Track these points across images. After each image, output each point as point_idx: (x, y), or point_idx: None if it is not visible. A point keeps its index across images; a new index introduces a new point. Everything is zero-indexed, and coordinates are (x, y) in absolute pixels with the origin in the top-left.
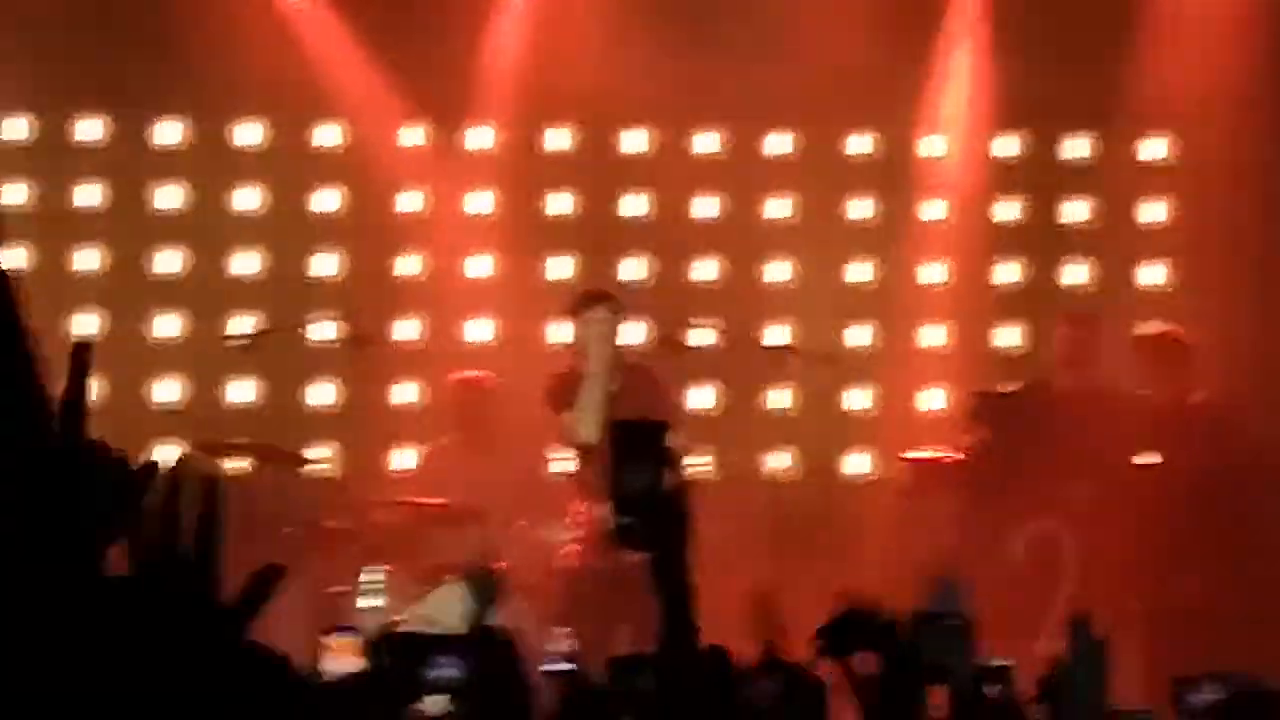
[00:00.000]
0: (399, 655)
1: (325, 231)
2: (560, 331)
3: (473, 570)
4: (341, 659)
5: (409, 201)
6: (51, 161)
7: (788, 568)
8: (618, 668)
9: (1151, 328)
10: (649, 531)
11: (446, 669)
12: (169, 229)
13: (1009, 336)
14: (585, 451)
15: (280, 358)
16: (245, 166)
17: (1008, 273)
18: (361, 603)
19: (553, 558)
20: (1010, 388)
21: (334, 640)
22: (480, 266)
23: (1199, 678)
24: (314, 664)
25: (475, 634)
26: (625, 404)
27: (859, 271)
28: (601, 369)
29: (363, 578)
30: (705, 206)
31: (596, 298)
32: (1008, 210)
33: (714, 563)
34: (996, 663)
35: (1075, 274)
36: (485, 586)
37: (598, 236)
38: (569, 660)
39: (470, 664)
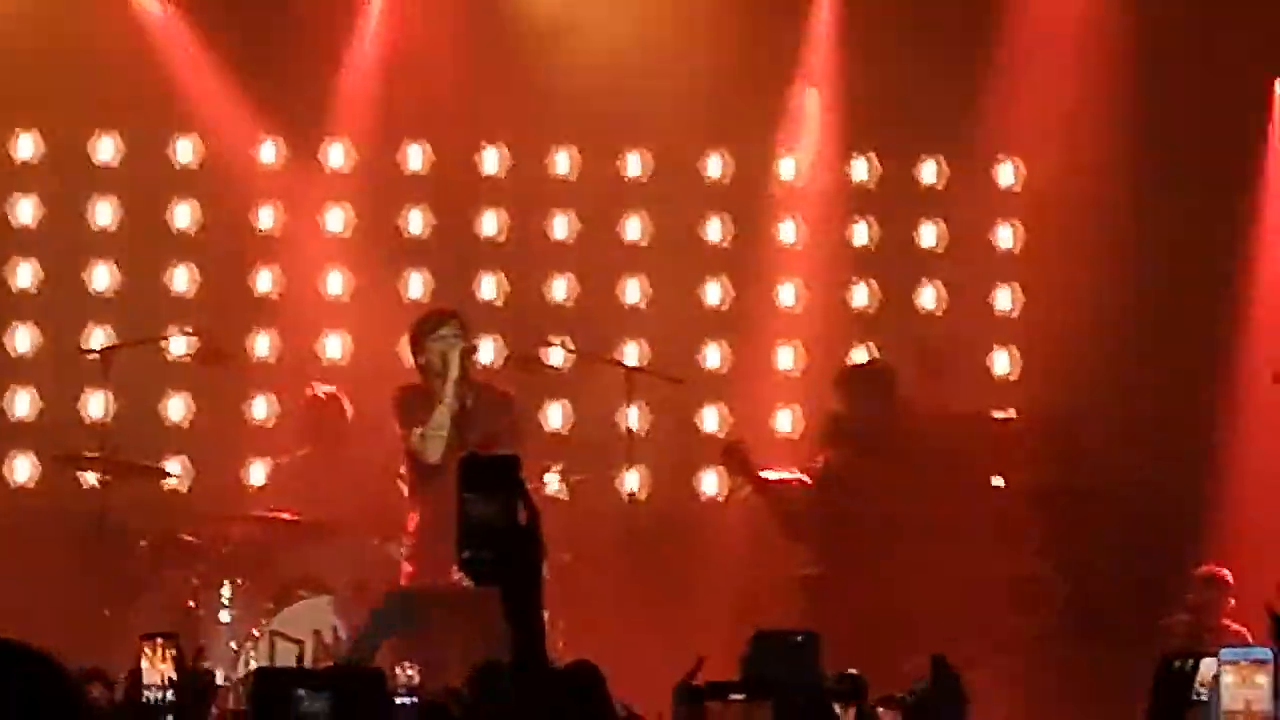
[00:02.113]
0: (267, 690)
1: (181, 246)
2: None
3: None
4: (158, 666)
5: (265, 217)
6: None
7: (642, 585)
8: (480, 682)
9: (860, 357)
10: (498, 565)
11: (315, 703)
12: (23, 242)
13: (861, 358)
14: (429, 470)
15: (135, 371)
16: (101, 180)
17: (861, 295)
18: (216, 615)
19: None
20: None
21: (149, 647)
22: (335, 283)
23: None
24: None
25: (343, 668)
26: (473, 424)
27: (712, 291)
28: (450, 389)
29: (216, 591)
30: (560, 225)
31: (442, 316)
32: (861, 232)
33: (568, 579)
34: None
35: (927, 297)
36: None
37: (453, 254)
38: (411, 692)
39: (339, 698)
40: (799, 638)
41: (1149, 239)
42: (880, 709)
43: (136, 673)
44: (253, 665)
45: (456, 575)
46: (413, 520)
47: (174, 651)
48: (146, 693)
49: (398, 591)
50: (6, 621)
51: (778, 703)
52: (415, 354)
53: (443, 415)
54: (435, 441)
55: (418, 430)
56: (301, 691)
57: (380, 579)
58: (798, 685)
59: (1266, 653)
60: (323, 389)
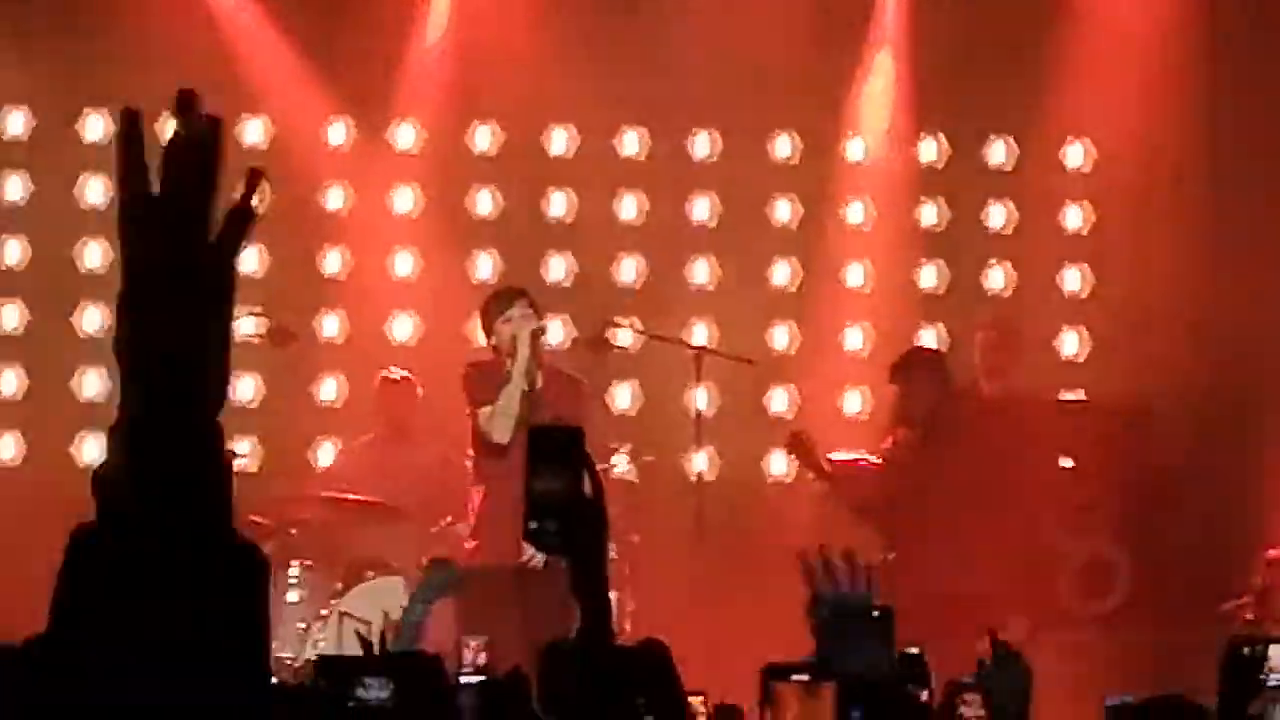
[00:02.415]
0: (329, 676)
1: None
2: (482, 331)
3: (433, 562)
4: None
5: (333, 198)
6: None
7: (710, 567)
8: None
9: (928, 340)
10: (564, 537)
11: (375, 690)
12: (92, 223)
13: (930, 340)
14: (498, 450)
15: None
16: None
17: (929, 276)
18: (284, 596)
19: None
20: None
21: None
22: (404, 264)
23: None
24: None
25: (403, 656)
26: (542, 405)
27: (781, 273)
28: (520, 369)
29: (284, 571)
30: (628, 207)
31: (512, 296)
32: (929, 213)
33: (636, 560)
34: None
35: (995, 278)
36: (439, 579)
37: (521, 235)
38: (480, 671)
39: (398, 685)
40: (875, 613)
41: (1220, 220)
42: (963, 698)
43: None
44: (321, 646)
45: (521, 553)
46: (476, 498)
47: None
48: None
49: (439, 559)
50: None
51: (842, 684)
52: (486, 333)
53: (511, 395)
54: (503, 421)
55: (486, 409)
56: (364, 681)
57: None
58: (869, 663)
59: None
60: (396, 372)
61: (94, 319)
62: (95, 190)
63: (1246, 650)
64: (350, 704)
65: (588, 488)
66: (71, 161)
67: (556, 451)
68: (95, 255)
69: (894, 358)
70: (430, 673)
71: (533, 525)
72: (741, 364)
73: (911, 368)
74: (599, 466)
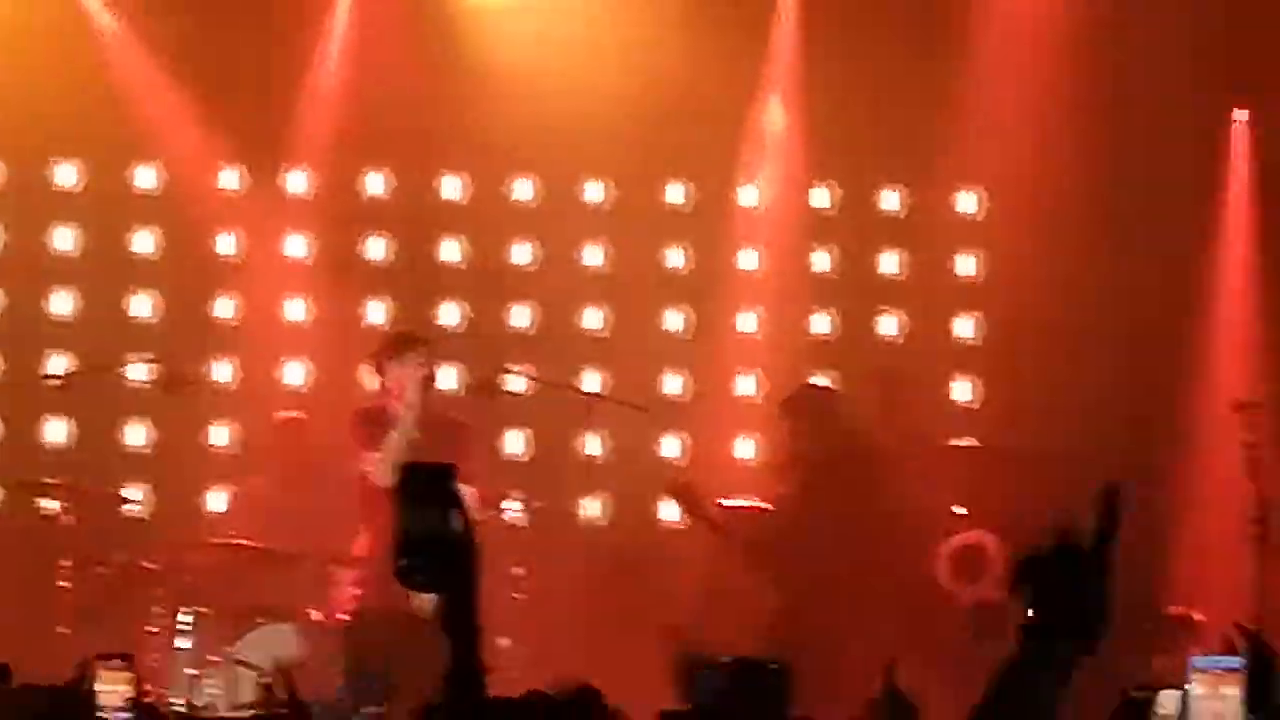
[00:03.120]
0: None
1: (142, 272)
2: (374, 375)
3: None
4: (114, 686)
5: (226, 244)
6: None
7: (602, 611)
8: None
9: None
10: (432, 574)
11: None
12: None
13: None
14: (380, 495)
15: (95, 397)
16: (62, 206)
17: (821, 323)
18: (175, 642)
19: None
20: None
21: (105, 668)
22: (296, 309)
23: None
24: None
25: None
26: (428, 452)
27: (673, 319)
28: (410, 415)
29: (176, 618)
30: (521, 252)
31: (410, 341)
32: (822, 260)
33: (528, 605)
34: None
35: (888, 325)
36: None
37: (414, 281)
38: None
39: None
40: (773, 666)
41: (1113, 267)
42: None
43: (90, 694)
44: (212, 693)
45: (405, 598)
46: (361, 544)
47: (130, 673)
48: (100, 715)
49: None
50: None
51: None
52: (379, 373)
53: (399, 441)
54: (388, 466)
55: (374, 454)
56: None
57: (341, 605)
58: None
59: (1235, 661)
60: (286, 415)
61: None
62: None
63: (1136, 694)
64: None
65: (458, 524)
66: None
67: (426, 488)
68: None
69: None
70: None
71: (402, 563)
72: (633, 410)
73: (802, 403)
74: (490, 512)
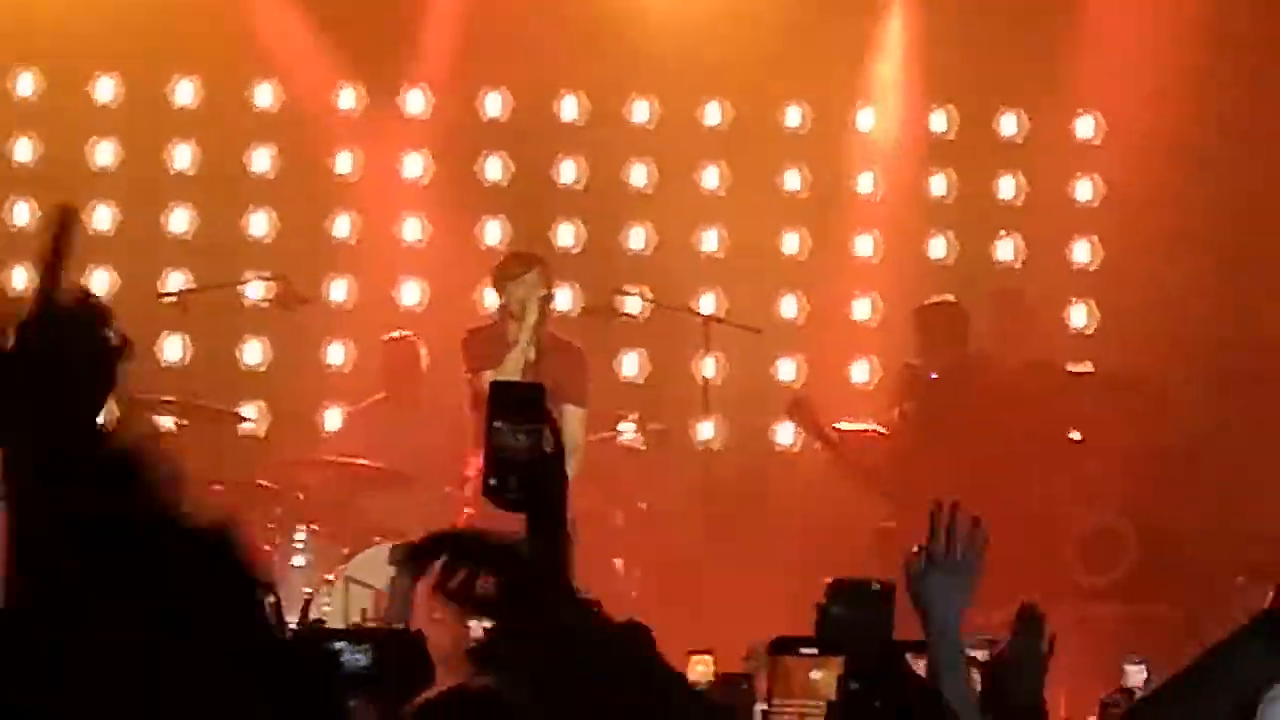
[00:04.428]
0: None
1: (259, 191)
2: (492, 295)
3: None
4: None
5: (343, 163)
6: None
7: (717, 535)
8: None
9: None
10: (521, 493)
11: (354, 656)
12: (103, 184)
13: None
14: None
15: (212, 315)
16: (180, 124)
17: (938, 247)
18: (289, 560)
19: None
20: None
21: None
22: (413, 229)
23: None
24: None
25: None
26: (541, 373)
27: (790, 242)
28: (525, 335)
29: (290, 535)
30: (638, 174)
31: (527, 261)
32: (939, 184)
33: (643, 529)
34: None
35: (1005, 250)
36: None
37: (531, 202)
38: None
39: (379, 656)
40: (875, 586)
41: (1233, 193)
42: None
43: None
44: (325, 611)
45: (514, 517)
46: (472, 464)
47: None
48: None
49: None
50: None
51: (850, 657)
52: (497, 291)
53: (515, 360)
54: None
55: (486, 373)
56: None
57: (454, 525)
58: (872, 636)
59: None
60: (400, 335)
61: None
62: None
63: None
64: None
65: (549, 445)
66: (77, 123)
67: (518, 406)
68: None
69: (901, 329)
70: (411, 645)
71: (492, 482)
72: (749, 333)
73: (932, 315)
74: (605, 434)
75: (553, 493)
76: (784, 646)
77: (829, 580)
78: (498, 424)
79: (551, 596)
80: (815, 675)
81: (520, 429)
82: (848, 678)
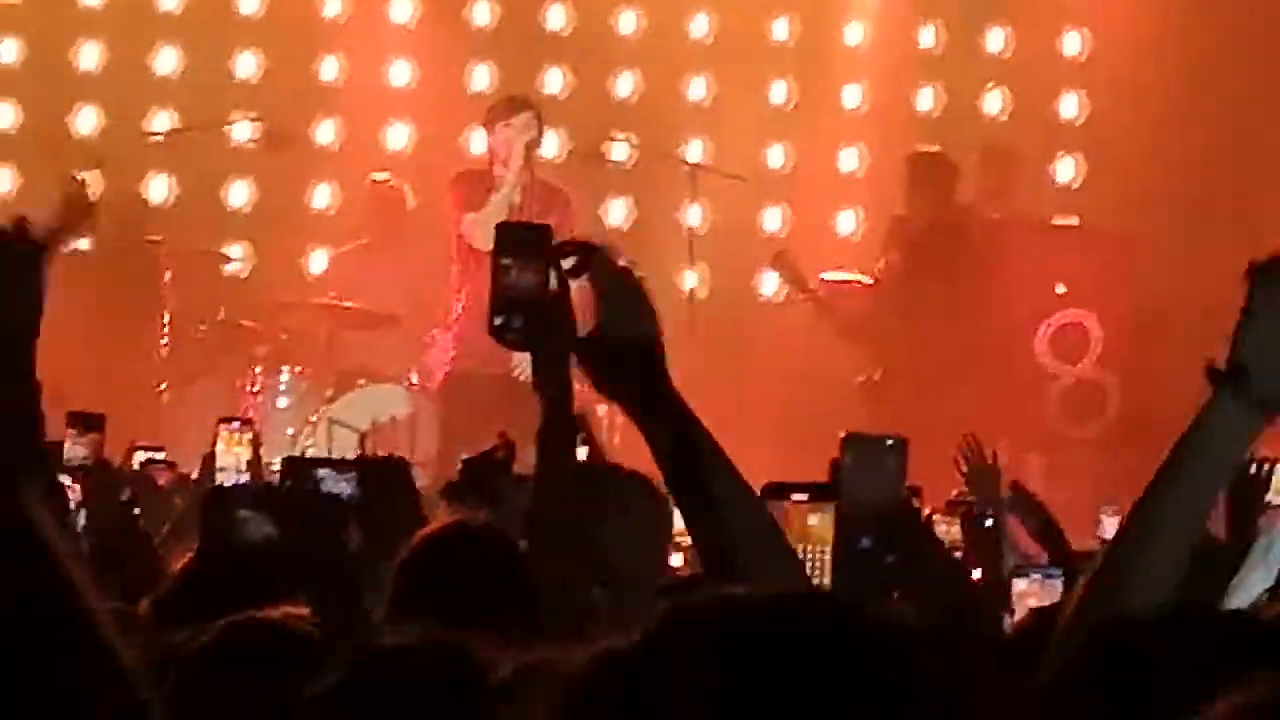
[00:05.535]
0: (295, 474)
1: (246, 31)
2: (478, 140)
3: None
4: (233, 450)
5: (330, 4)
6: None
7: (699, 383)
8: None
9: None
10: (528, 332)
11: (340, 484)
12: (90, 24)
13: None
14: (478, 257)
15: (198, 155)
16: None
17: (926, 99)
18: (273, 401)
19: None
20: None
21: (226, 430)
22: (400, 72)
23: None
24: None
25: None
26: (527, 217)
27: (778, 92)
28: (514, 176)
29: (275, 377)
30: (626, 20)
31: (518, 105)
32: (928, 36)
33: None
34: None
35: (992, 102)
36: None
37: (519, 47)
38: None
39: (364, 482)
40: (889, 441)
41: (1219, 106)
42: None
43: (210, 456)
44: (309, 452)
45: (505, 362)
46: (457, 305)
47: (250, 436)
48: (220, 476)
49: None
50: (59, 391)
51: (849, 505)
52: (488, 131)
53: (499, 203)
54: (486, 229)
55: (470, 215)
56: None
57: (439, 367)
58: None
59: None
60: (384, 177)
61: None
62: None
63: (1254, 468)
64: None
65: (554, 285)
66: None
67: (523, 247)
68: None
69: (886, 180)
70: (396, 472)
71: (498, 321)
72: (736, 181)
73: (918, 165)
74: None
75: (557, 332)
76: (777, 491)
77: (843, 434)
78: (505, 261)
79: (562, 434)
80: (813, 520)
81: (526, 269)
82: (851, 529)
